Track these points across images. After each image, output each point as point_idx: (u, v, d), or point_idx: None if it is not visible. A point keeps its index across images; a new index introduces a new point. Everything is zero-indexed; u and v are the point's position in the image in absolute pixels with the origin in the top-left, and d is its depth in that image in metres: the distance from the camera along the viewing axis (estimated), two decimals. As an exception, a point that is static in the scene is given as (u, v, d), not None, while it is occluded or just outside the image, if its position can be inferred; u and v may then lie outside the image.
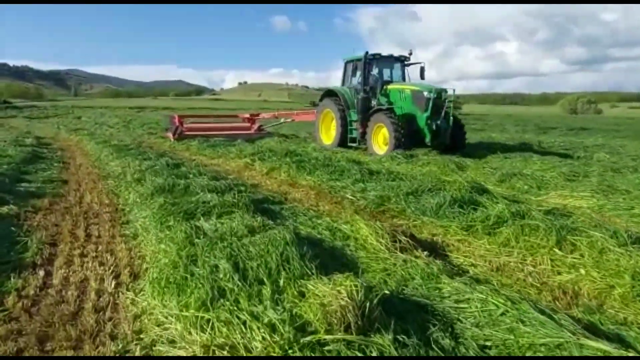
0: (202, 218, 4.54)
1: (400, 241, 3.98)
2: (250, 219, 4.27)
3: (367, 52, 12.22)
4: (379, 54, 12.55)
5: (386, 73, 13.07)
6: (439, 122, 11.01)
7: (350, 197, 6.32)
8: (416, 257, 3.73)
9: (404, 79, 12.95)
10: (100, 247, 4.43)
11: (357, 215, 4.52)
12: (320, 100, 14.21)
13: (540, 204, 6.14)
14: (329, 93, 13.69)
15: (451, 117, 11.31)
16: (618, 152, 12.34)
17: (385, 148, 11.05)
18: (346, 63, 13.48)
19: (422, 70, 12.88)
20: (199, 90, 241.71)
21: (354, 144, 12.66)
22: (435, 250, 4.23)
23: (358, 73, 12.46)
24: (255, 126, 17.49)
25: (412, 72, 13.68)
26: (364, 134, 12.00)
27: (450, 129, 11.28)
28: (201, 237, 3.94)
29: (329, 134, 13.79)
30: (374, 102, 12.24)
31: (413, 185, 6.00)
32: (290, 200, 6.57)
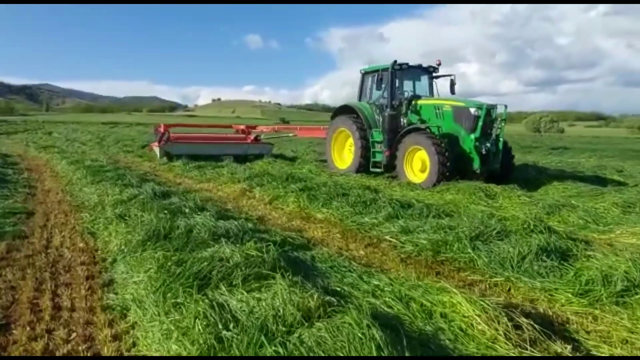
0: (222, 286, 3.11)
1: (521, 326, 2.68)
2: (300, 292, 2.84)
3: (395, 61, 10.21)
4: (407, 64, 10.47)
5: (408, 86, 11.00)
6: (488, 144, 9.05)
7: (391, 239, 4.99)
8: (558, 354, 2.44)
9: (431, 93, 11.06)
10: (74, 334, 2.94)
11: (445, 283, 3.18)
12: (333, 117, 12.02)
13: (612, 244, 5.01)
14: (344, 109, 11.51)
15: (501, 140, 9.26)
16: (630, 174, 11.51)
17: (423, 176, 9.08)
18: (364, 75, 11.43)
19: (452, 84, 10.79)
20: (173, 107, 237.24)
21: (378, 170, 10.52)
22: (548, 327, 2.94)
23: (383, 86, 10.29)
24: (251, 137, 15.48)
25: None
26: (391, 157, 9.96)
27: (500, 153, 9.29)
28: (231, 326, 2.53)
29: (343, 157, 11.74)
30: (403, 120, 10.29)
31: (474, 226, 4.69)
32: (311, 241, 5.20)
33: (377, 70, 10.63)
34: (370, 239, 5.24)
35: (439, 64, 10.93)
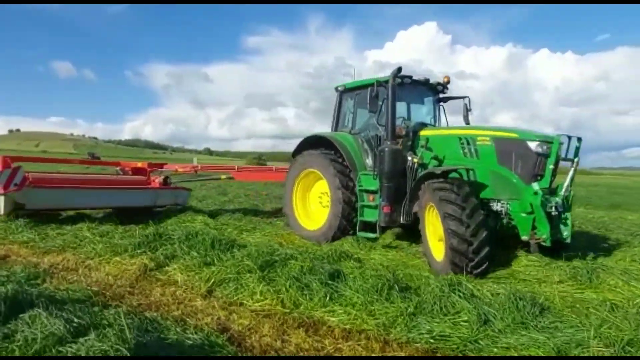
0: None
1: None
2: None
3: (399, 68, 6.49)
4: (410, 76, 6.97)
5: (401, 110, 7.22)
6: (558, 199, 5.54)
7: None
8: None
9: (437, 121, 7.56)
10: None
11: None
12: (295, 154, 7.87)
13: None
14: (314, 141, 7.59)
15: (571, 193, 5.77)
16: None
17: (441, 251, 5.30)
18: (343, 93, 7.79)
19: (466, 109, 7.40)
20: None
21: (371, 235, 6.59)
22: None
23: (380, 106, 6.60)
24: (159, 180, 9.80)
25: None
26: (392, 215, 6.26)
27: (568, 212, 5.71)
28: None
29: (309, 213, 7.78)
30: (410, 159, 6.31)
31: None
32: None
33: (367, 85, 6.87)
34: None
35: (448, 82, 7.45)
